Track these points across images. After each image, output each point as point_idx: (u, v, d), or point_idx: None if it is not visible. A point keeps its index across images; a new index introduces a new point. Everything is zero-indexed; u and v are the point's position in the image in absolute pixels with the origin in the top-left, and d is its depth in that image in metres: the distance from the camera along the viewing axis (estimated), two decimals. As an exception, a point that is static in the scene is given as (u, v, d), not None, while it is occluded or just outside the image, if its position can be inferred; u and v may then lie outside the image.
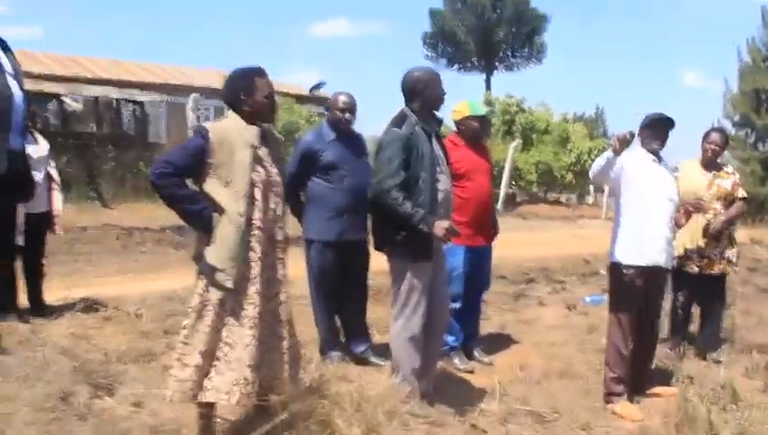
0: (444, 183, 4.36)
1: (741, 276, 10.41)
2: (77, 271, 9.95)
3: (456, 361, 5.59)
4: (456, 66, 41.62)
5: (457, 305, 5.51)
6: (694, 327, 6.41)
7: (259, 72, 3.78)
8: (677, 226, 5.10)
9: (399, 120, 4.32)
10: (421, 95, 4.34)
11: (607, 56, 78.84)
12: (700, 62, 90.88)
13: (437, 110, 4.48)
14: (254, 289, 3.63)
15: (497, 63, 41.35)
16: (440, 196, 4.30)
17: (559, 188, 28.79)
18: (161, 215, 12.41)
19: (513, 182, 24.24)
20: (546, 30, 40.30)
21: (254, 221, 3.64)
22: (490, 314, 7.58)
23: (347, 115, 5.29)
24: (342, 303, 5.44)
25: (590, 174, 4.96)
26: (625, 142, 4.58)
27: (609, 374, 4.94)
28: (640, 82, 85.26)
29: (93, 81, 20.80)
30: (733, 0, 73.03)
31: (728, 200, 6.02)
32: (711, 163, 6.09)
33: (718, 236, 5.89)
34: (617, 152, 4.62)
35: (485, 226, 5.67)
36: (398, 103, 4.50)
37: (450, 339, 5.60)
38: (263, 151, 3.74)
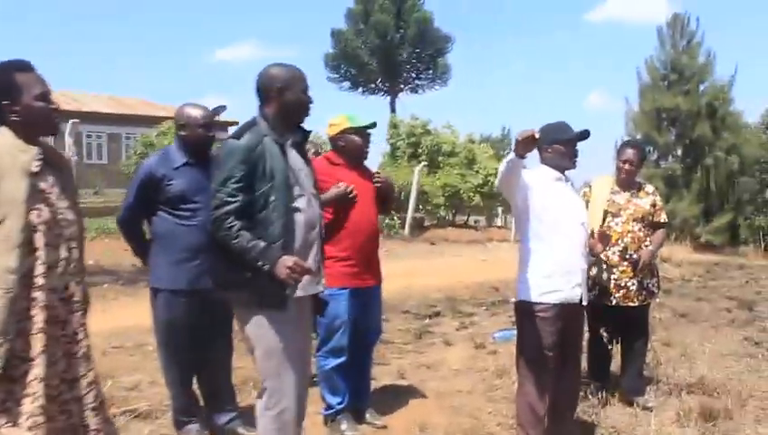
0: (307, 209, 3.45)
1: (656, 300, 9.99)
2: None
3: (344, 427, 4.68)
4: (359, 89, 41.08)
5: (341, 360, 4.64)
6: (614, 366, 5.70)
7: (21, 66, 2.85)
8: (593, 254, 4.38)
9: (244, 129, 3.42)
10: (278, 98, 3.43)
11: (511, 77, 79.94)
12: (603, 83, 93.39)
13: (300, 119, 3.55)
14: (34, 374, 2.67)
15: (402, 85, 41.00)
16: (299, 225, 3.40)
17: (467, 210, 28.35)
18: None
19: (420, 206, 23.61)
20: (450, 51, 40.28)
21: (34, 278, 2.70)
22: (389, 357, 6.80)
23: (210, 133, 4.35)
24: (200, 364, 4.44)
25: (497, 183, 4.22)
26: (528, 143, 3.80)
27: (524, 437, 4.14)
28: (545, 102, 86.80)
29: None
30: (633, 22, 75.09)
31: (646, 222, 5.34)
32: (627, 183, 5.41)
33: (640, 266, 5.20)
34: (519, 154, 3.86)
35: (373, 261, 4.80)
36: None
37: (335, 401, 4.72)
38: (46, 181, 2.80)
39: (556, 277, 4.11)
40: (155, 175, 4.21)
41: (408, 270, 13.97)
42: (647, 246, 5.30)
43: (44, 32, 76.78)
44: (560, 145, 4.24)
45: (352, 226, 4.59)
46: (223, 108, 5.05)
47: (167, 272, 4.20)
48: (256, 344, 3.36)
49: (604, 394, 5.24)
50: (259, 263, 3.19)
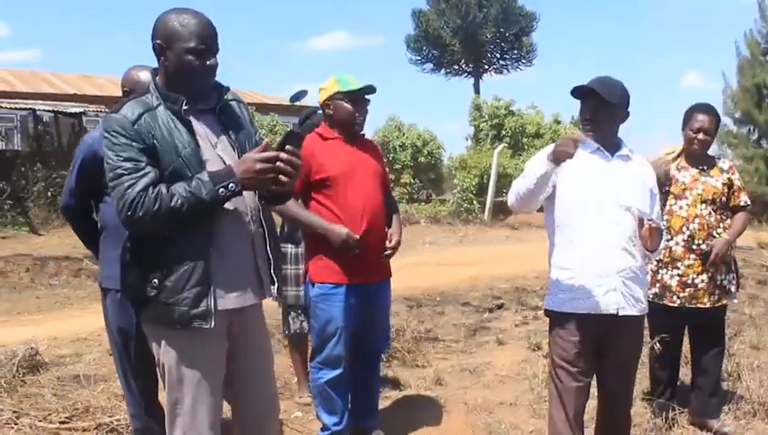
0: (239, 201, 2.65)
1: (748, 292, 8.85)
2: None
3: (341, 450, 3.93)
4: (442, 70, 39.97)
5: (337, 372, 3.89)
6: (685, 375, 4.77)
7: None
8: (648, 249, 3.34)
9: (129, 99, 2.65)
10: (159, 58, 2.65)
11: (601, 56, 76.78)
12: (699, 62, 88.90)
13: (188, 88, 2.63)
14: None
15: (486, 66, 39.73)
16: (226, 221, 2.61)
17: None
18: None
19: (504, 190, 22.65)
20: (535, 29, 38.66)
21: None
22: (431, 359, 6.01)
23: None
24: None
25: (512, 199, 3.36)
26: (569, 152, 3.02)
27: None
28: (637, 82, 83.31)
29: (30, 95, 19.39)
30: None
31: (718, 204, 4.30)
32: (698, 156, 4.38)
33: (711, 258, 4.22)
34: (558, 161, 3.06)
35: (378, 252, 3.96)
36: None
37: (331, 421, 3.97)
38: None
39: (581, 281, 3.28)
40: (98, 153, 3.48)
41: (480, 258, 13.23)
42: (719, 234, 4.29)
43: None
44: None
45: (352, 211, 3.81)
46: (304, 93, 4.56)
47: (117, 269, 3.49)
48: (167, 372, 2.64)
49: (670, 415, 4.32)
50: (221, 190, 2.46)
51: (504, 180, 21.72)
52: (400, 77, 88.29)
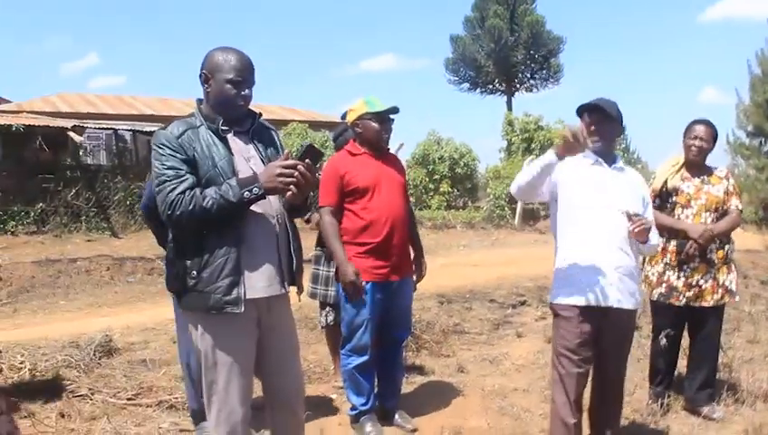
0: (266, 205, 2.78)
1: (751, 291, 8.70)
2: (48, 305, 8.84)
3: (368, 429, 4.02)
4: (478, 90, 39.78)
5: (364, 359, 3.99)
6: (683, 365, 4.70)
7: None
8: (640, 241, 3.36)
9: (180, 118, 2.83)
10: (204, 85, 2.80)
11: (624, 74, 75.64)
12: (717, 78, 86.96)
13: (226, 114, 2.78)
14: None
15: (517, 85, 39.43)
16: (252, 214, 2.74)
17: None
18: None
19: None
20: (562, 51, 38.22)
21: None
22: (455, 350, 6.06)
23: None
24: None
25: (514, 187, 3.36)
26: (575, 144, 3.01)
27: (552, 451, 3.35)
28: (658, 97, 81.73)
29: (114, 116, 19.96)
30: (749, 18, 69.41)
31: (720, 212, 4.29)
32: (697, 165, 4.37)
33: (705, 256, 4.21)
34: (561, 155, 3.08)
35: (401, 255, 4.06)
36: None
37: (359, 402, 4.07)
38: None
39: (582, 276, 3.31)
40: None
41: (508, 259, 13.19)
42: (721, 240, 4.28)
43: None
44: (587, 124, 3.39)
45: (377, 217, 3.91)
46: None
47: None
48: (203, 356, 2.76)
49: (665, 401, 4.32)
50: (246, 194, 2.61)
51: (533, 189, 21.53)
52: (440, 96, 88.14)
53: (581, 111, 3.46)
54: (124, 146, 18.91)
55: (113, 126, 17.64)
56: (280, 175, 2.60)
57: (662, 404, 4.31)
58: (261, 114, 2.94)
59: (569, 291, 3.35)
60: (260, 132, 2.92)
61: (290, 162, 2.60)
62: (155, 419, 4.22)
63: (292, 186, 2.62)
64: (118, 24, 76.09)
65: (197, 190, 2.61)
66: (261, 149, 2.87)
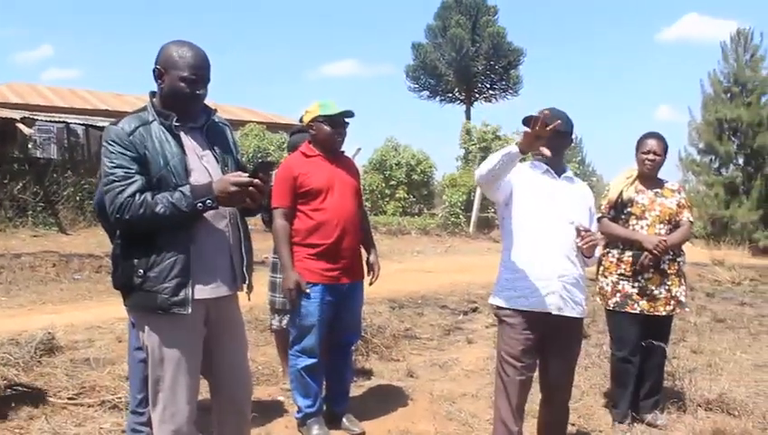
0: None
1: (697, 303, 8.91)
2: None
3: (315, 432, 3.99)
4: (437, 98, 39.96)
5: (312, 361, 3.96)
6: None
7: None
8: (585, 256, 3.42)
9: (132, 113, 2.75)
10: (157, 81, 2.71)
11: (581, 89, 77.17)
12: (672, 96, 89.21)
13: (180, 110, 2.70)
14: None
15: (476, 95, 39.71)
16: (205, 221, 2.69)
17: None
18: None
19: (490, 207, 22.72)
20: (522, 63, 38.62)
21: None
22: (405, 355, 6.06)
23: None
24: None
25: (478, 173, 3.31)
26: (541, 137, 3.01)
27: (496, 459, 3.36)
28: (615, 113, 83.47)
29: (66, 110, 19.43)
30: (702, 40, 71.28)
31: (673, 223, 4.37)
32: (651, 177, 4.44)
33: (659, 266, 4.28)
34: (524, 147, 3.06)
35: (352, 258, 4.06)
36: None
37: (305, 404, 4.04)
38: None
39: (525, 282, 3.33)
40: None
41: (461, 266, 13.27)
42: (675, 252, 4.36)
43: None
44: None
45: (328, 218, 3.91)
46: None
47: None
48: (150, 352, 2.70)
49: (622, 411, 4.38)
50: (199, 205, 2.56)
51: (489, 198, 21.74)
52: (400, 103, 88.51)
53: (528, 122, 3.45)
54: (76, 140, 18.50)
55: (65, 119, 17.18)
56: (233, 193, 2.56)
57: (613, 413, 4.38)
58: (216, 111, 2.89)
59: (510, 295, 3.37)
60: (214, 129, 2.87)
61: (244, 180, 2.57)
62: (96, 419, 4.12)
63: (244, 200, 2.61)
64: (74, 16, 74.85)
65: (148, 195, 2.55)
66: (216, 148, 2.82)
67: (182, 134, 2.72)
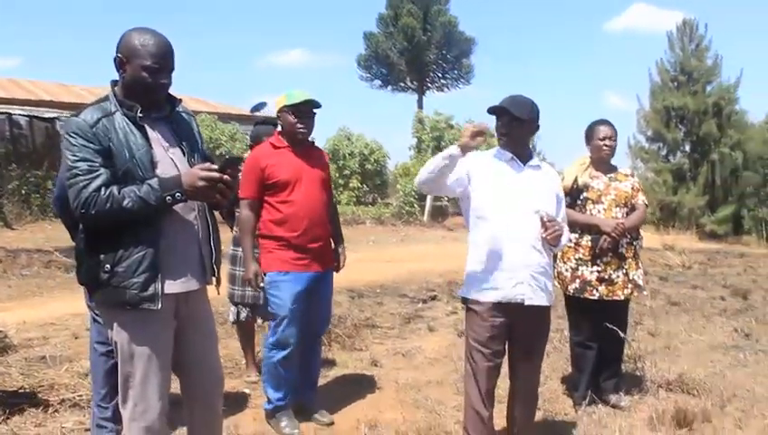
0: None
1: (651, 287, 9.10)
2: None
3: (284, 423, 3.96)
4: (389, 87, 40.10)
5: (287, 352, 3.92)
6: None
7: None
8: (551, 245, 3.39)
9: (90, 105, 2.65)
10: (119, 70, 2.61)
11: (531, 77, 77.87)
12: (620, 85, 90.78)
13: (143, 101, 2.61)
14: None
15: (429, 84, 39.96)
16: (174, 214, 2.63)
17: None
18: (66, 235, 11.05)
19: (443, 197, 22.84)
20: (473, 52, 39.04)
21: None
22: (368, 344, 6.06)
23: None
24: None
25: (418, 178, 3.33)
26: (478, 138, 3.07)
27: (467, 443, 3.37)
28: (564, 101, 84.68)
29: (7, 100, 18.78)
30: (649, 30, 72.70)
31: (629, 207, 4.46)
32: (605, 163, 4.51)
33: (617, 250, 4.35)
34: (464, 148, 3.09)
35: (322, 247, 4.03)
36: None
37: (276, 396, 4.00)
38: None
39: (494, 273, 3.32)
40: None
41: (417, 255, 13.33)
42: (631, 235, 4.43)
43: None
44: (500, 123, 3.42)
45: (296, 211, 3.87)
46: (263, 104, 4.68)
47: None
48: (119, 348, 2.63)
49: (581, 394, 4.44)
50: (168, 198, 2.49)
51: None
52: (352, 93, 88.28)
53: (493, 111, 3.46)
54: (19, 132, 17.94)
55: (7, 110, 16.66)
56: (201, 187, 2.51)
57: (575, 397, 4.45)
58: (181, 100, 2.81)
59: (480, 287, 3.35)
60: (179, 120, 2.80)
61: (213, 175, 2.52)
62: (57, 418, 4.01)
63: (212, 195, 2.57)
64: (12, 0, 72.50)
65: (115, 189, 2.46)
66: (181, 138, 2.75)
67: (146, 125, 2.63)
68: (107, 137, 2.51)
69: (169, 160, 2.65)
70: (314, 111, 4.00)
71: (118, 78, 2.65)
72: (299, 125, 3.94)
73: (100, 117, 2.53)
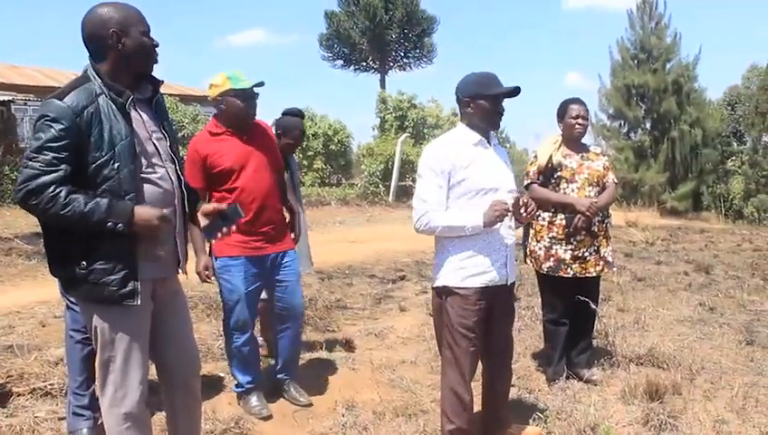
0: (161, 181, 2.63)
1: (617, 263, 9.23)
2: None
3: (254, 403, 3.97)
4: (351, 67, 39.82)
5: (247, 335, 3.92)
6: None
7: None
8: (519, 222, 3.44)
9: (72, 86, 2.51)
10: (114, 46, 2.48)
11: (493, 57, 78.17)
12: (581, 63, 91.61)
13: (145, 68, 2.60)
14: None
15: (391, 63, 39.76)
16: (151, 201, 2.56)
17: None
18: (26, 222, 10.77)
19: (408, 176, 22.86)
20: (435, 31, 38.89)
21: None
22: (340, 325, 6.07)
23: None
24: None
25: (420, 228, 3.32)
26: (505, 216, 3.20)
27: (448, 426, 3.37)
28: (525, 80, 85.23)
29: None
30: (608, 8, 73.33)
31: (601, 186, 4.50)
32: (577, 142, 4.55)
33: (590, 228, 4.41)
34: (489, 225, 3.21)
35: (275, 228, 3.98)
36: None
37: (245, 380, 4.00)
38: None
39: (478, 259, 3.29)
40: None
41: (384, 235, 13.35)
42: (603, 213, 4.49)
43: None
44: (483, 101, 3.32)
45: (244, 197, 3.77)
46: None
47: None
48: (99, 335, 2.58)
49: (555, 369, 4.52)
50: (109, 224, 2.39)
51: (407, 166, 21.98)
52: (313, 72, 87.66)
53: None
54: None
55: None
56: (155, 226, 2.48)
57: (549, 373, 4.52)
58: (162, 81, 2.74)
59: (465, 273, 3.29)
60: (159, 101, 2.73)
61: (167, 215, 2.54)
62: (29, 408, 3.93)
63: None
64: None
65: (64, 191, 2.34)
66: (164, 122, 2.70)
67: (132, 111, 2.56)
68: (89, 126, 2.41)
69: (153, 146, 2.60)
70: (257, 92, 3.90)
71: (106, 60, 2.52)
72: (249, 109, 3.83)
73: (85, 105, 2.42)
